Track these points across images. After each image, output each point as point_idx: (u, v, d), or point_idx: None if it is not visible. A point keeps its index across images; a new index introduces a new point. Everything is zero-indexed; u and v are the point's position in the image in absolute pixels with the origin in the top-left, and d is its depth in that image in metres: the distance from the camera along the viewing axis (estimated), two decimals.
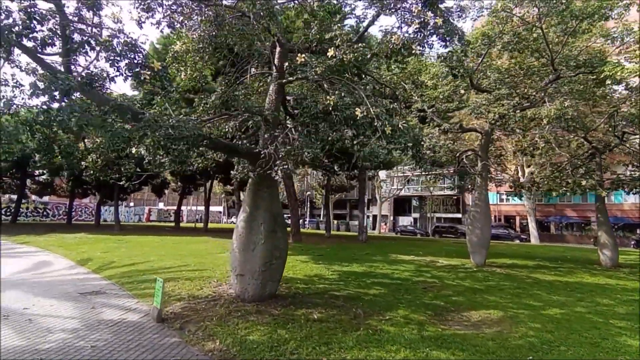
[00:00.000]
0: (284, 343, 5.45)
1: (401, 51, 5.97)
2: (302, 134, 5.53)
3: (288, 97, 5.51)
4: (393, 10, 6.42)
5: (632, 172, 13.84)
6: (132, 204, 65.53)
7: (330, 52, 5.61)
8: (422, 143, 6.79)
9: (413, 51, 5.72)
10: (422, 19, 5.83)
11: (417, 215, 53.73)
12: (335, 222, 54.61)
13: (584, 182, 14.57)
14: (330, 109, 5.23)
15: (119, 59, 5.34)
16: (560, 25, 11.45)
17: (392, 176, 50.11)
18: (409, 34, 5.88)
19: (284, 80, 8.33)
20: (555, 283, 10.83)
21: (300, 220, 62.51)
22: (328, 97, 5.26)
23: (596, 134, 13.95)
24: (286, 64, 8.46)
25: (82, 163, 9.21)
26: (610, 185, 14.58)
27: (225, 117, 6.74)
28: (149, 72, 5.46)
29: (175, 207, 66.27)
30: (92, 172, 9.21)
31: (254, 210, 7.93)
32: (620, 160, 17.71)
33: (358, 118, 5.13)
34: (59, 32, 6.03)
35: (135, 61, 5.42)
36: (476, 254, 13.93)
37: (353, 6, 8.59)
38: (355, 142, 5.28)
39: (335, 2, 9.26)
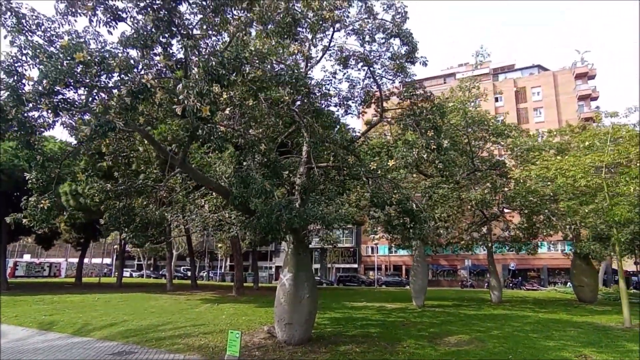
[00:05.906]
0: None
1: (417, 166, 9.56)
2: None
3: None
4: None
5: (510, 235, 20.51)
6: None
7: (392, 162, 8.90)
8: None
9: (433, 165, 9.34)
10: (436, 140, 9.48)
11: (317, 265, 57.37)
12: (244, 273, 54.71)
13: (479, 241, 20.43)
14: (395, 202, 8.43)
15: None
16: (476, 133, 17.64)
17: None
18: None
19: (314, 165, 11.20)
20: (479, 315, 15.21)
21: (204, 273, 60.57)
22: (394, 194, 8.48)
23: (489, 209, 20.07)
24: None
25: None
26: (498, 243, 20.79)
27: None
28: None
29: (51, 260, 57.41)
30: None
31: (298, 271, 10.23)
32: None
33: (415, 210, 8.45)
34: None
35: None
36: (418, 298, 17.89)
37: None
38: (410, 225, 8.49)
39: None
